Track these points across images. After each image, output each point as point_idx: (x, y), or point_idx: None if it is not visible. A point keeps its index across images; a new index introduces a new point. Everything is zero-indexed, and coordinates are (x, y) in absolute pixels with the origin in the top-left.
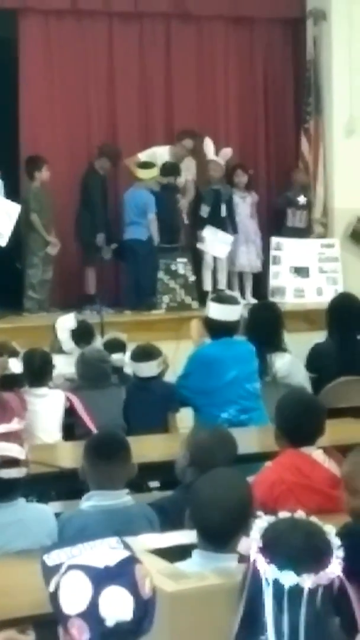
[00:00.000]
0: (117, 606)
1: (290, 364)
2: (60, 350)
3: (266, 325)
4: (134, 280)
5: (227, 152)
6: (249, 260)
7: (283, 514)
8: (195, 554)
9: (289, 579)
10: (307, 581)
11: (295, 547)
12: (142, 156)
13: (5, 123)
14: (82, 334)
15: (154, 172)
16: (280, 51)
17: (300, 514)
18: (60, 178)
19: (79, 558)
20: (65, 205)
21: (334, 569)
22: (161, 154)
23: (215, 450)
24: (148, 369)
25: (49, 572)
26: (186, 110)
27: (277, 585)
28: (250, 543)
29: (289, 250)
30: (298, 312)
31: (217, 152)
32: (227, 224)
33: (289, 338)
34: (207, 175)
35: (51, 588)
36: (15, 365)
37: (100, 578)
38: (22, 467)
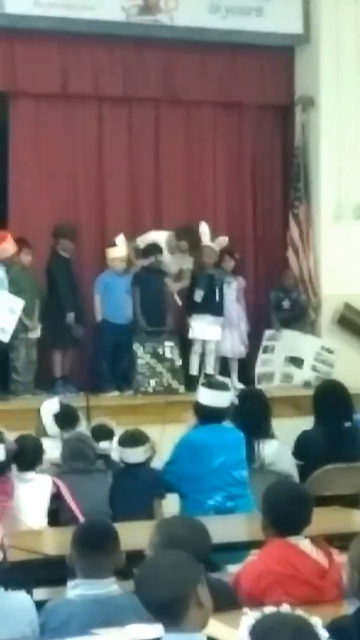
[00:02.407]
0: None
1: (278, 450)
2: (45, 434)
3: (254, 412)
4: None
5: (224, 240)
6: (232, 345)
7: (269, 609)
8: (164, 638)
9: None
10: None
11: None
12: (140, 241)
13: None
14: (65, 418)
15: (117, 252)
16: (269, 137)
17: (286, 607)
18: (46, 262)
19: None
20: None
21: None
22: (160, 239)
23: (187, 543)
24: (135, 455)
25: None
26: (175, 194)
27: None
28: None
29: (288, 340)
30: (285, 398)
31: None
32: (220, 309)
33: (276, 424)
34: (201, 260)
35: None
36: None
37: None
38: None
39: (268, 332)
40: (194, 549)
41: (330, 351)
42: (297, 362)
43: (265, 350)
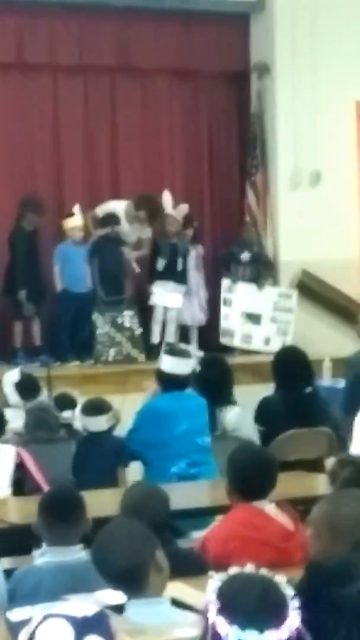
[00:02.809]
0: None
1: (240, 417)
2: (7, 404)
3: (216, 379)
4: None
5: (184, 207)
6: (192, 313)
7: (234, 570)
8: (129, 605)
9: (252, 638)
10: (270, 637)
11: (253, 605)
12: (99, 210)
13: None
14: (26, 388)
15: (74, 222)
16: (225, 104)
17: (250, 567)
18: (1, 234)
19: (54, 609)
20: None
21: (293, 620)
22: (118, 209)
23: (143, 508)
24: (97, 423)
25: (16, 626)
26: (132, 164)
27: None
28: (207, 604)
29: (243, 295)
30: (246, 365)
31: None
32: (182, 278)
33: (237, 391)
34: (164, 229)
35: (23, 639)
36: None
37: (81, 626)
38: None
39: (225, 282)
40: (154, 515)
41: (288, 295)
42: (254, 318)
43: (225, 302)
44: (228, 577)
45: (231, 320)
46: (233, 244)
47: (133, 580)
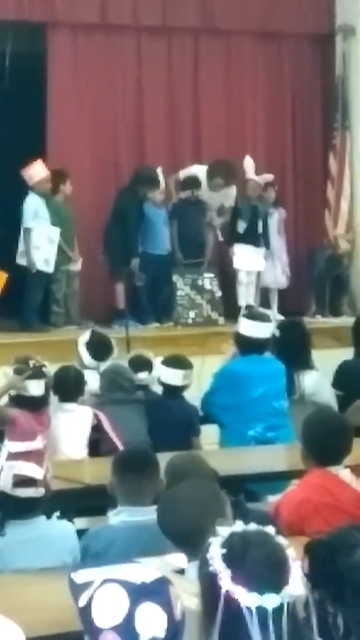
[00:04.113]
0: (153, 622)
1: (318, 382)
2: (84, 366)
3: (294, 343)
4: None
5: (268, 177)
6: (274, 276)
7: (225, 532)
8: (189, 566)
9: (271, 601)
10: (286, 596)
11: (265, 566)
12: (183, 174)
13: (32, 137)
14: (97, 348)
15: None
16: (309, 66)
17: (252, 526)
18: (85, 193)
19: (115, 573)
20: (90, 221)
21: (298, 573)
22: (200, 173)
23: (186, 477)
24: (175, 377)
25: (78, 589)
26: (214, 125)
27: (260, 610)
28: (214, 571)
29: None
30: (325, 329)
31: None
32: (262, 240)
33: (316, 355)
34: (245, 193)
35: (82, 603)
36: (35, 387)
37: (138, 593)
38: (40, 487)
39: None
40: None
41: None
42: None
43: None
44: (229, 542)
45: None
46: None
47: (194, 542)
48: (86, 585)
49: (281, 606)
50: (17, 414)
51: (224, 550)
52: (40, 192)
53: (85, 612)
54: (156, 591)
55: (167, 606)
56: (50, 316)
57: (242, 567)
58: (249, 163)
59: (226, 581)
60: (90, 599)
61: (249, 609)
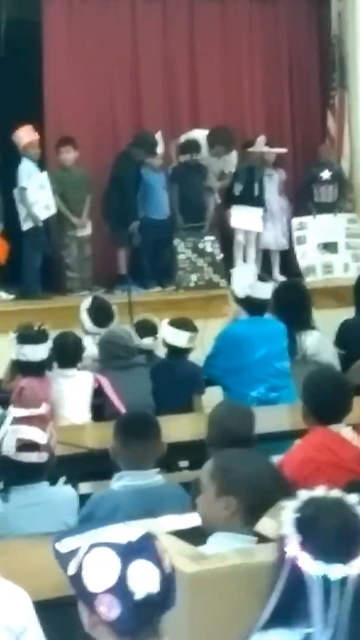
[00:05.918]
0: (145, 579)
1: (319, 341)
2: (87, 332)
3: (294, 304)
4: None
5: (282, 150)
6: (275, 237)
7: (306, 496)
8: (214, 536)
9: (337, 571)
10: (354, 568)
11: (336, 535)
12: (183, 138)
13: (29, 105)
14: (97, 314)
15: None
16: (305, 27)
17: (334, 493)
18: (84, 160)
19: (100, 537)
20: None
21: None
22: (200, 137)
23: (232, 428)
24: (180, 338)
25: (65, 557)
26: (212, 89)
27: (325, 580)
28: (284, 537)
29: (316, 227)
30: (326, 289)
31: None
32: (259, 202)
33: (317, 315)
34: (246, 156)
35: (71, 571)
36: (34, 352)
37: (126, 553)
38: (43, 452)
39: (295, 221)
40: (241, 433)
41: (354, 221)
42: (331, 247)
43: (299, 241)
44: (304, 507)
45: (309, 255)
46: (312, 165)
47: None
48: (72, 553)
49: (346, 578)
50: (24, 383)
51: (298, 515)
52: (31, 157)
53: (76, 579)
54: (144, 548)
55: (157, 560)
56: (67, 282)
57: (311, 533)
58: (261, 141)
59: (293, 546)
60: (80, 565)
61: (312, 577)
